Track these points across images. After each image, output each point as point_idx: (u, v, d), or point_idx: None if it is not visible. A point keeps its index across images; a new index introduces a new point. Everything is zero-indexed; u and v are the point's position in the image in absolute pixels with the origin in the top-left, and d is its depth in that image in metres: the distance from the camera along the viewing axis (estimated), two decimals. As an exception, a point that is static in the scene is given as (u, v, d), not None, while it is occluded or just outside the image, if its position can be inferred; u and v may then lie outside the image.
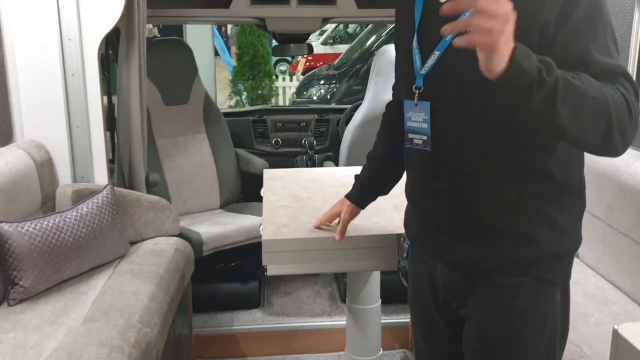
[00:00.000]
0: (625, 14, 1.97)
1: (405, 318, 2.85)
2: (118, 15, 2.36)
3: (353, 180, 1.62)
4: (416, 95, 1.22)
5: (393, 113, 1.51)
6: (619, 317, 1.81)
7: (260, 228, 1.74)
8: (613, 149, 1.03)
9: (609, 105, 0.97)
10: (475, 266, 1.22)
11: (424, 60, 1.21)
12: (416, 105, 1.23)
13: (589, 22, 1.06)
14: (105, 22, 2.37)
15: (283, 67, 11.61)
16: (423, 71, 1.21)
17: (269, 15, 2.91)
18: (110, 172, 2.62)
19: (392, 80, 1.50)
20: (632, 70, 1.99)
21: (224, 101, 8.62)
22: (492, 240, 1.20)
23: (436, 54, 1.18)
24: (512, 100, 0.95)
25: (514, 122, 1.09)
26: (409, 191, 1.37)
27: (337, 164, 3.59)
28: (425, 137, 1.23)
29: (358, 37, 8.98)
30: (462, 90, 1.15)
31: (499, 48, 0.88)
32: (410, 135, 1.26)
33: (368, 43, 8.05)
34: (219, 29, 10.60)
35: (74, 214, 2.11)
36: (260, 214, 2.04)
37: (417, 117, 1.23)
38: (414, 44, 1.24)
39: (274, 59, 9.45)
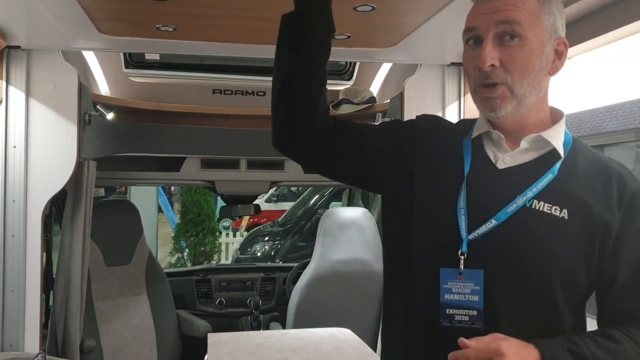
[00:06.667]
0: None
1: None
2: (66, 179, 2.33)
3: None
4: (461, 261, 1.08)
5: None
6: None
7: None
8: None
9: None
10: None
11: (471, 224, 1.09)
12: (460, 274, 1.08)
13: None
14: (53, 185, 2.31)
15: (227, 222, 11.64)
16: (471, 236, 1.08)
17: (218, 179, 3.00)
18: (43, 337, 2.45)
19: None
20: None
21: (165, 257, 8.46)
22: None
23: (492, 222, 1.08)
24: None
25: (571, 305, 1.09)
26: None
27: (283, 325, 3.51)
28: (475, 312, 1.07)
29: (302, 196, 9.27)
30: (518, 262, 1.07)
31: None
32: (449, 311, 1.08)
33: (312, 202, 8.32)
34: (163, 187, 10.74)
35: (-3, 388, 1.93)
36: (203, 384, 1.94)
37: (462, 289, 1.07)
38: (461, 202, 1.11)
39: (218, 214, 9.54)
